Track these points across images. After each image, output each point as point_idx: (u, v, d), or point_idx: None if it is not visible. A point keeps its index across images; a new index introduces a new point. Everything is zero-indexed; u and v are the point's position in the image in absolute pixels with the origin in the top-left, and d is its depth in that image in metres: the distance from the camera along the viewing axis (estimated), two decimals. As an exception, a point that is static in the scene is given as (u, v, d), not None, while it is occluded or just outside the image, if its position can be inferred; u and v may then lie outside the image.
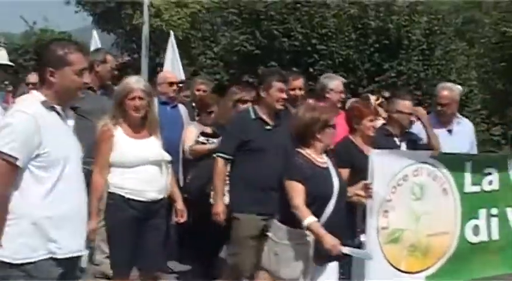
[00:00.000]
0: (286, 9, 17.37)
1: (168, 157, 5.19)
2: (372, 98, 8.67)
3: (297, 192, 4.46)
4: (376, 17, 16.85)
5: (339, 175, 4.74)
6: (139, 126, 5.13)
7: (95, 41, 12.43)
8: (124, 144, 5.05)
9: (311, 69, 16.03)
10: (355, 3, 17.46)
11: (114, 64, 6.65)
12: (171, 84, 7.47)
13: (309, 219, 4.36)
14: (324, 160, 4.70)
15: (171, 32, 10.25)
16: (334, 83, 6.71)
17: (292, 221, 4.50)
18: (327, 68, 16.34)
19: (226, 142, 5.70)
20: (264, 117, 5.56)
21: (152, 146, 5.12)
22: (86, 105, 5.52)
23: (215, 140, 6.40)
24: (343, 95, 6.84)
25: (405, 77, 16.51)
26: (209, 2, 20.56)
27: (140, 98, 5.05)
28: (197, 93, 7.92)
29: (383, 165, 5.07)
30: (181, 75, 9.96)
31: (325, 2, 17.35)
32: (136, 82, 5.18)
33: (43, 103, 3.49)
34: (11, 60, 6.35)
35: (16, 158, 3.33)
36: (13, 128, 3.38)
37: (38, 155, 3.40)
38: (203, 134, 6.70)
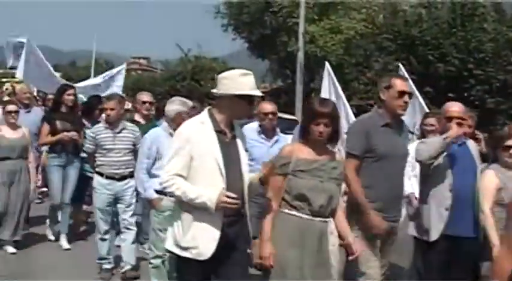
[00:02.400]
0: (441, 34, 17.40)
1: None
2: None
3: None
4: (536, 40, 16.55)
5: None
6: None
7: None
8: None
9: (466, 94, 15.93)
10: (514, 27, 17.24)
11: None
12: None
13: None
14: None
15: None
16: None
17: None
18: (484, 94, 16.23)
19: None
20: None
21: None
22: None
23: None
24: None
25: None
26: (363, 28, 20.84)
27: None
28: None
29: None
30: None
31: (482, 27, 17.21)
32: None
33: None
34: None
35: None
36: None
37: None
38: None
